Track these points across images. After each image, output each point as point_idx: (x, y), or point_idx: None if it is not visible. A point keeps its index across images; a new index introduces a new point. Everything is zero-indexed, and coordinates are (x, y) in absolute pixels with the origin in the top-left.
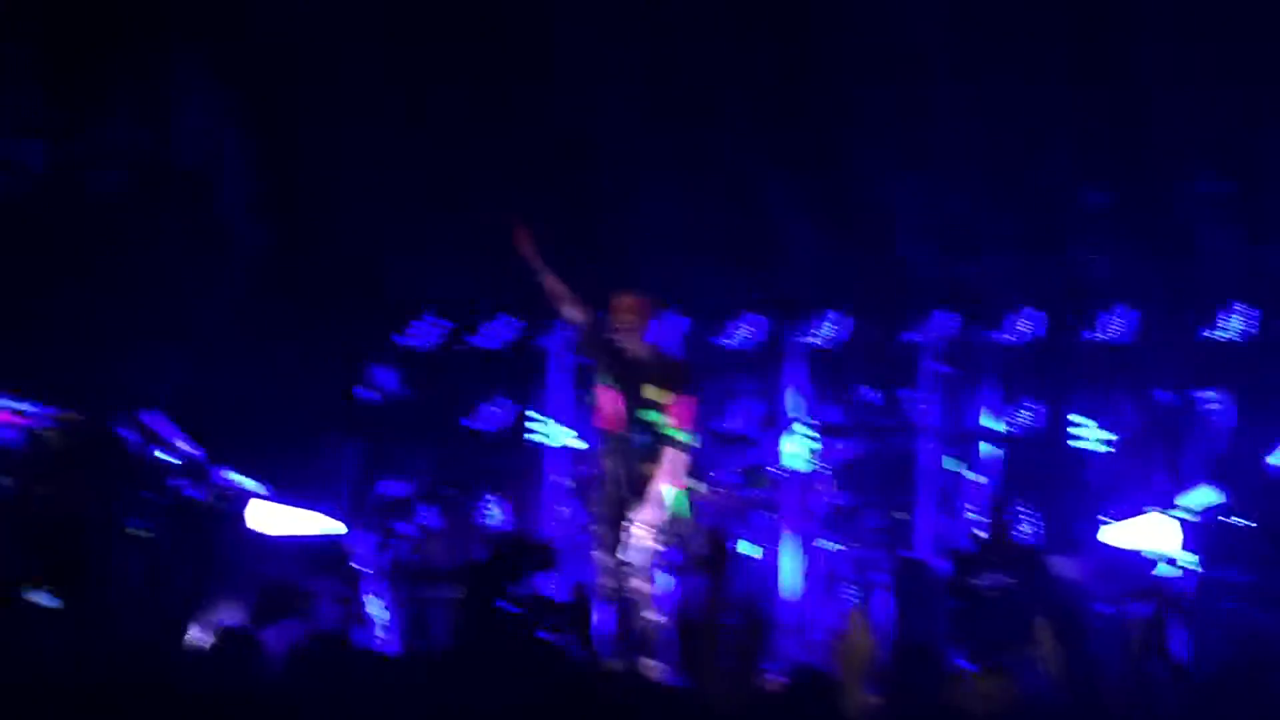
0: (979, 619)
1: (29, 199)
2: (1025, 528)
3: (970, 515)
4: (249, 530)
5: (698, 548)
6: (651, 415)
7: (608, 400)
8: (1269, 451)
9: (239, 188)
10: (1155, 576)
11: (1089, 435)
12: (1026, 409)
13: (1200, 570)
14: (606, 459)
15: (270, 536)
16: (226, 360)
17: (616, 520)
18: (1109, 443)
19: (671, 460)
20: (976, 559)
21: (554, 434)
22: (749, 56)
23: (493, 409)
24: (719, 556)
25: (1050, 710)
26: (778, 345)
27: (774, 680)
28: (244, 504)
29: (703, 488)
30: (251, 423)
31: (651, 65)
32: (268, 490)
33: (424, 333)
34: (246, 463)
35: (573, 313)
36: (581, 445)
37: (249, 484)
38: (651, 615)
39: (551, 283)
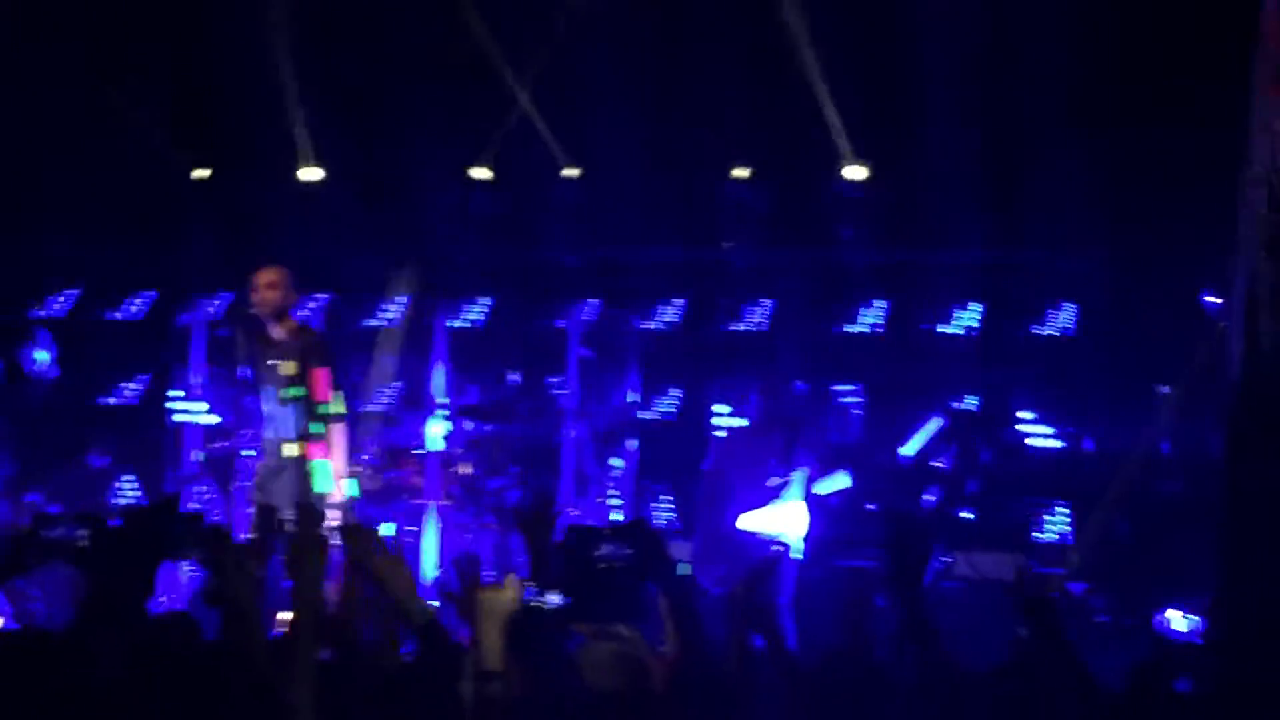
0: (594, 589)
1: None
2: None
3: (610, 500)
4: None
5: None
6: (293, 391)
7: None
8: (900, 442)
9: None
10: (769, 559)
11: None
12: (668, 396)
13: (803, 557)
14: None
15: None
16: None
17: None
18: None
19: (336, 434)
20: (598, 533)
21: (193, 410)
22: None
23: (130, 385)
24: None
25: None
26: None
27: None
28: None
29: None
30: None
31: None
32: None
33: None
34: None
35: None
36: (215, 420)
37: None
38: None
39: None
